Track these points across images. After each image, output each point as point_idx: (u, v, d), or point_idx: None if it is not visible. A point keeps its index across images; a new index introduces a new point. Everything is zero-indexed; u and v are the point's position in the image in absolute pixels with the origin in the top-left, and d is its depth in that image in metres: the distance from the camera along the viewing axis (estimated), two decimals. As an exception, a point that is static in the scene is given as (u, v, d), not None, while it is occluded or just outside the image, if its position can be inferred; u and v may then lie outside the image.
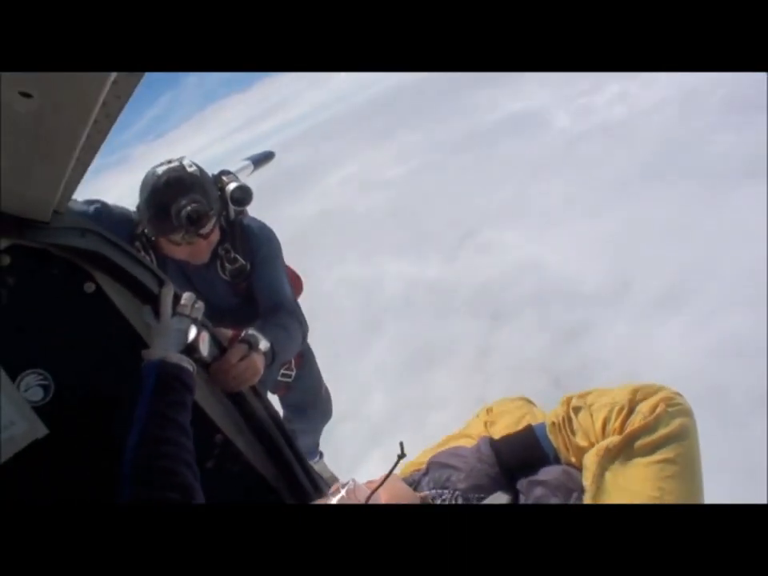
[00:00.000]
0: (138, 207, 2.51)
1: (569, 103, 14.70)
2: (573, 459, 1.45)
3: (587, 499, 1.31)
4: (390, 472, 1.35)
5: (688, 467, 1.28)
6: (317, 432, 3.97)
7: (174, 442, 1.49)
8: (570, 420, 1.45)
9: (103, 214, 2.56)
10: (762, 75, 10.84)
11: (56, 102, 0.84)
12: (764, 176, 7.29)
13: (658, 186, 8.46)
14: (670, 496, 1.23)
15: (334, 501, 1.32)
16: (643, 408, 1.32)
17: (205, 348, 1.79)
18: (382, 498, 1.35)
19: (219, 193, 2.65)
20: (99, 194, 2.71)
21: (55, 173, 1.22)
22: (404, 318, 7.88)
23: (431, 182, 12.62)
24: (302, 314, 2.91)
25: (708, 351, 5.27)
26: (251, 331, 2.14)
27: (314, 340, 3.61)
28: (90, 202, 2.56)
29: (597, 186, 9.31)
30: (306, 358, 3.59)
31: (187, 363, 1.67)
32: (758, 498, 3.56)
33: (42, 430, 1.61)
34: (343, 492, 1.32)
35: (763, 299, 5.48)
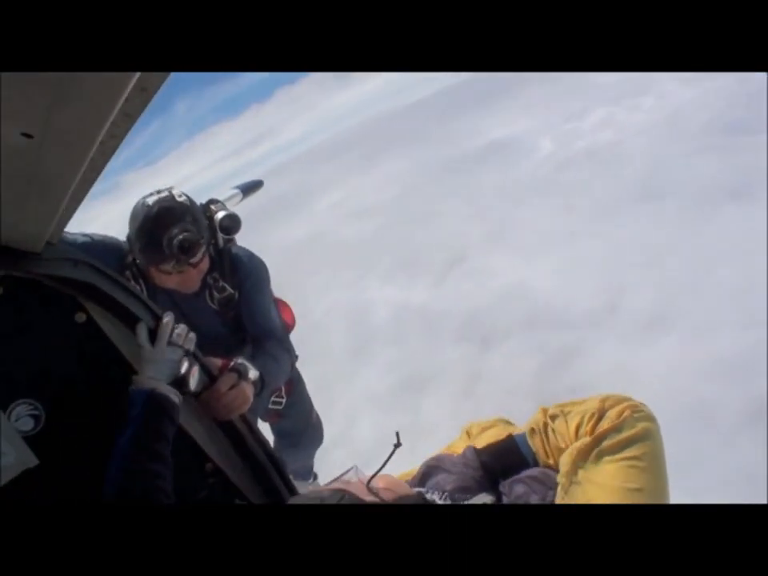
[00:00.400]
0: (129, 237, 2.53)
1: (554, 129, 14.86)
2: (550, 461, 1.57)
3: (560, 493, 1.43)
4: (390, 457, 1.46)
5: (652, 465, 1.40)
6: (310, 456, 3.97)
7: (155, 473, 1.54)
8: (546, 426, 1.58)
9: (93, 244, 2.57)
10: (744, 98, 11.06)
11: (55, 142, 0.86)
12: (748, 198, 7.41)
13: (643, 209, 8.57)
14: (638, 491, 1.35)
15: (337, 484, 1.37)
16: (611, 413, 1.45)
17: (194, 382, 1.82)
18: (380, 484, 1.41)
19: (208, 222, 2.67)
20: (89, 222, 2.73)
21: (49, 207, 1.23)
22: (393, 344, 7.87)
23: (418, 208, 12.68)
24: (290, 343, 2.97)
25: (696, 372, 5.31)
26: (240, 360, 2.15)
27: (304, 366, 3.62)
28: (80, 233, 2.57)
29: (583, 210, 9.39)
30: (296, 386, 3.59)
31: (175, 396, 1.71)
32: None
33: (32, 461, 1.61)
34: (348, 475, 1.40)
35: (749, 319, 5.55)
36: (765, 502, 4.01)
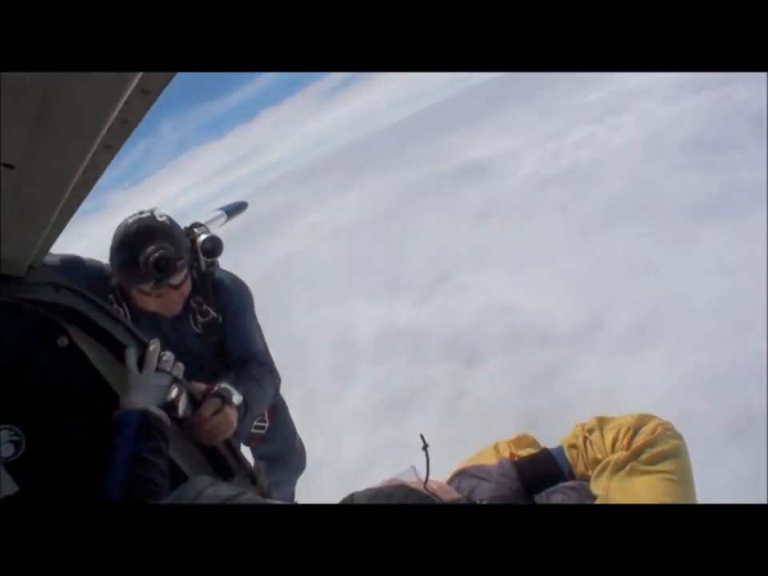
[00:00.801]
0: (110, 260, 2.51)
1: (536, 147, 15.01)
2: (587, 473, 1.64)
3: (604, 493, 1.50)
4: (428, 459, 1.53)
5: (684, 479, 1.49)
6: (292, 483, 3.92)
7: (157, 482, 1.56)
8: (585, 439, 1.65)
9: (77, 267, 2.55)
10: (723, 116, 11.24)
11: (36, 172, 0.85)
12: (727, 213, 7.50)
13: (625, 226, 8.65)
14: (669, 501, 1.41)
15: (404, 479, 1.42)
16: (646, 429, 1.55)
17: (182, 408, 1.82)
18: (434, 486, 1.46)
19: (190, 244, 2.66)
20: (75, 241, 2.71)
21: (32, 233, 1.23)
22: (378, 363, 7.86)
23: (399, 227, 12.74)
24: (275, 366, 2.92)
25: (679, 386, 5.35)
26: (224, 385, 2.14)
27: (288, 385, 3.60)
28: (64, 256, 2.54)
29: (566, 228, 9.47)
30: (279, 410, 3.55)
31: (166, 418, 1.72)
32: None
33: (11, 488, 1.59)
34: (407, 474, 1.44)
35: (730, 333, 5.61)
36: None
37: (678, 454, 1.52)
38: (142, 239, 2.33)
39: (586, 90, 19.09)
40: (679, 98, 14.36)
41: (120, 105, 0.81)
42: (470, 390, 6.57)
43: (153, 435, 1.64)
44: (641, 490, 1.46)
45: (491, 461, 1.89)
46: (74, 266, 2.55)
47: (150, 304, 2.54)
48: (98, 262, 2.68)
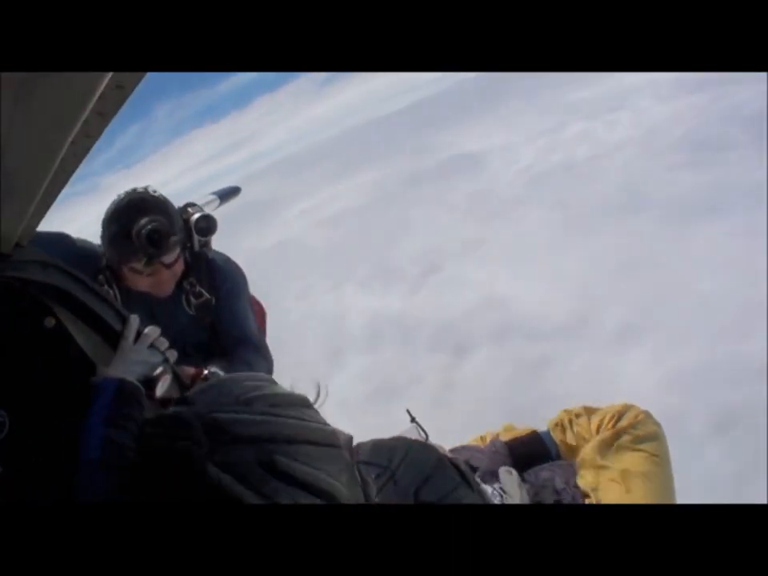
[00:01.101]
0: (101, 236, 2.46)
1: (533, 142, 15.02)
2: (573, 454, 1.76)
3: (587, 477, 1.63)
4: (421, 427, 1.78)
5: (665, 461, 1.65)
6: None
7: (131, 448, 1.51)
8: (571, 421, 1.80)
9: (66, 246, 2.50)
10: (719, 116, 11.28)
11: (21, 142, 0.84)
12: (721, 212, 7.54)
13: (618, 222, 8.69)
14: (654, 479, 1.58)
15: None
16: (629, 414, 1.72)
17: (161, 388, 1.78)
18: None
19: (184, 223, 2.61)
20: (66, 223, 2.67)
21: (19, 208, 1.20)
22: (367, 351, 7.88)
23: (393, 217, 12.74)
24: (268, 349, 2.87)
25: (664, 382, 5.41)
26: (213, 369, 2.11)
27: (278, 371, 3.59)
28: (53, 234, 2.48)
29: (559, 222, 9.50)
30: None
31: (142, 391, 1.67)
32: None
33: None
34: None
35: (718, 331, 5.65)
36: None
37: (658, 437, 1.68)
38: (135, 212, 2.28)
39: (581, 86, 19.10)
40: (675, 97, 14.41)
41: (95, 98, 0.81)
42: (459, 381, 6.61)
43: (129, 403, 1.60)
44: (626, 464, 1.58)
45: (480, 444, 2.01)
46: (63, 244, 2.50)
47: (142, 284, 2.48)
48: (88, 241, 2.62)
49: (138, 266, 2.36)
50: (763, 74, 12.03)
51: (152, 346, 1.78)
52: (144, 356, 1.75)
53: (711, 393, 5.10)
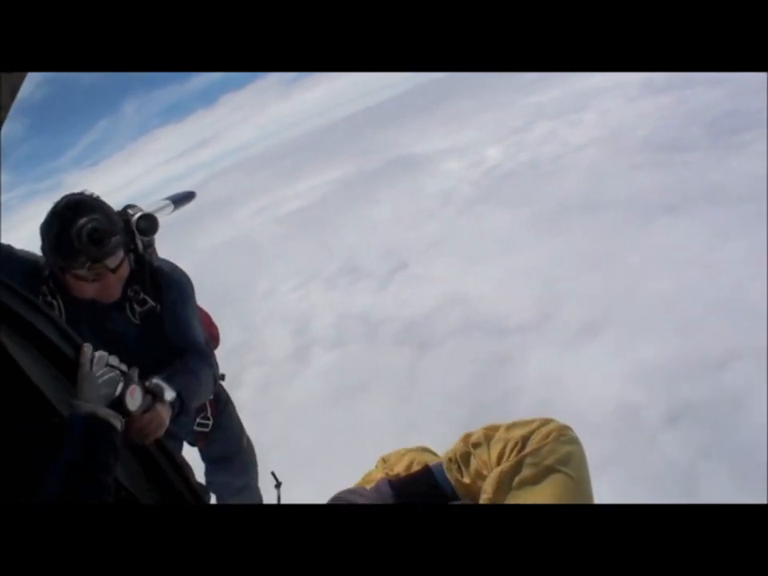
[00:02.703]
0: (42, 247, 2.35)
1: (499, 141, 15.14)
2: (470, 491, 1.56)
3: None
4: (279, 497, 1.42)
5: (577, 482, 1.43)
6: (252, 489, 3.68)
7: (92, 498, 1.43)
8: (467, 454, 1.58)
9: (9, 259, 2.42)
10: (680, 116, 11.50)
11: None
12: (681, 211, 7.71)
13: (580, 221, 8.83)
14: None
15: None
16: (536, 437, 1.48)
17: (133, 403, 1.74)
18: None
19: (125, 225, 2.52)
20: (28, 220, 2.60)
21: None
22: (333, 348, 7.91)
23: (359, 216, 12.75)
24: (214, 357, 2.81)
25: (622, 377, 5.52)
26: (155, 380, 2.04)
27: (243, 367, 3.60)
28: None
29: (522, 220, 9.61)
30: (223, 406, 3.39)
31: (116, 419, 1.62)
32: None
33: None
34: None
35: (674, 327, 5.79)
36: (693, 498, 4.23)
37: (568, 461, 1.45)
38: (73, 213, 2.22)
39: (548, 87, 19.29)
40: (641, 98, 14.64)
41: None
42: (423, 377, 6.66)
43: (97, 443, 1.53)
44: (532, 500, 1.39)
45: (377, 477, 1.83)
46: (5, 257, 2.41)
47: (87, 290, 2.39)
48: (32, 253, 2.52)
49: (82, 271, 2.29)
50: (722, 78, 12.33)
51: (107, 365, 1.73)
52: (105, 377, 1.69)
53: (669, 387, 5.23)
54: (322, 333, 8.36)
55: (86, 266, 2.25)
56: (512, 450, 1.48)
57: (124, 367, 1.78)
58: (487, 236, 9.40)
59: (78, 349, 1.70)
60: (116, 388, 1.68)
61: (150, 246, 2.72)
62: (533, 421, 1.55)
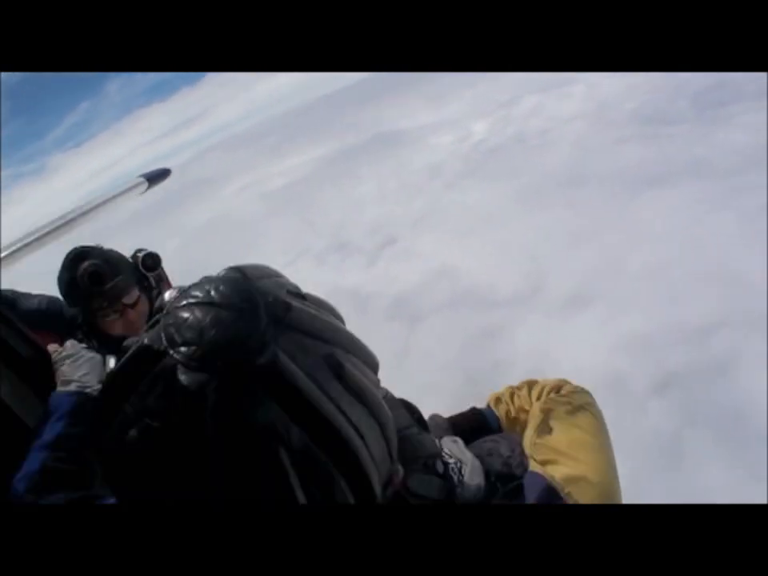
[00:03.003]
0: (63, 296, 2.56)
1: (486, 115, 15.09)
2: (513, 425, 1.74)
3: (533, 451, 1.53)
4: None
5: (601, 428, 1.56)
6: None
7: (74, 473, 1.41)
8: (512, 394, 1.73)
9: (43, 310, 2.61)
10: (667, 90, 11.50)
11: None
12: (666, 184, 7.76)
13: (567, 194, 8.84)
14: (596, 445, 1.49)
15: None
16: (568, 387, 1.63)
17: None
18: None
19: (135, 267, 2.72)
20: (15, 204, 2.63)
21: None
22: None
23: (346, 192, 12.71)
24: None
25: (610, 347, 5.59)
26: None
27: None
28: (28, 297, 2.60)
29: (510, 194, 9.62)
30: None
31: None
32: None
33: None
34: None
35: (660, 298, 5.87)
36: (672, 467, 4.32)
37: (593, 405, 1.64)
38: (75, 261, 2.43)
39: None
40: (629, 72, 14.59)
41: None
42: (413, 350, 6.72)
43: (82, 421, 1.49)
44: (570, 435, 1.51)
45: None
46: (39, 308, 2.64)
47: (115, 327, 2.56)
48: (60, 301, 2.67)
49: (107, 311, 2.49)
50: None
51: (83, 348, 1.73)
52: (84, 358, 1.67)
53: (656, 357, 5.32)
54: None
55: (104, 305, 2.44)
56: (548, 392, 1.58)
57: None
58: (475, 210, 9.40)
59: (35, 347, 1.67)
60: (102, 367, 1.67)
61: (161, 280, 2.89)
62: (559, 379, 1.74)
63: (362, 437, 0.80)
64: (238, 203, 15.01)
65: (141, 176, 3.79)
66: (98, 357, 1.74)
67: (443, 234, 8.96)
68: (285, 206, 13.21)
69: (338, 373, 0.76)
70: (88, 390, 1.56)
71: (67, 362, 1.65)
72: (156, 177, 3.92)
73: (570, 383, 1.69)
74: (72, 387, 1.55)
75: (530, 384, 1.73)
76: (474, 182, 10.67)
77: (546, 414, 1.59)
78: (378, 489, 0.92)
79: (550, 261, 7.35)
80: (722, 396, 4.85)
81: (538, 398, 1.61)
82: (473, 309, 6.90)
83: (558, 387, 1.59)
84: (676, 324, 5.59)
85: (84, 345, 1.80)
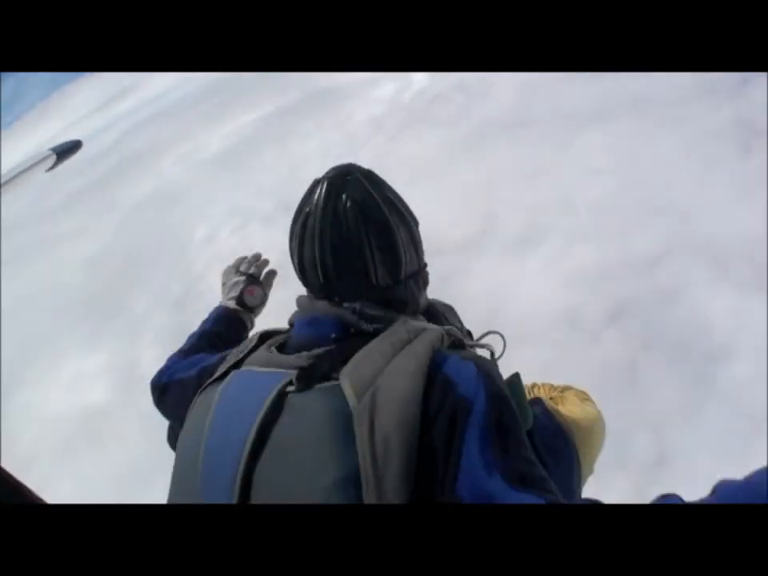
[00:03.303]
0: None
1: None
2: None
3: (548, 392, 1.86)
4: None
5: (603, 420, 1.79)
6: None
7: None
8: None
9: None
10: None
11: None
12: (609, 121, 7.85)
13: (511, 137, 8.88)
14: (599, 422, 1.75)
15: None
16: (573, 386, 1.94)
17: (252, 300, 2.03)
18: None
19: None
20: None
21: None
22: (282, 287, 7.85)
23: (292, 151, 12.52)
24: None
25: (563, 282, 5.73)
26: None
27: (196, 313, 3.54)
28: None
29: (454, 141, 9.62)
30: None
31: (243, 313, 1.97)
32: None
33: None
34: None
35: (608, 233, 5.99)
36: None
37: (592, 401, 1.86)
38: None
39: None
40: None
41: None
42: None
43: (227, 324, 1.90)
44: (585, 406, 1.74)
45: None
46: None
47: None
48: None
49: None
50: None
51: (237, 272, 2.06)
52: (233, 281, 2.02)
53: (608, 289, 5.47)
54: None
55: None
56: (557, 387, 1.90)
57: (253, 270, 2.11)
58: (420, 159, 9.37)
59: None
60: (240, 289, 1.99)
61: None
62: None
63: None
64: (179, 172, 14.63)
65: (50, 149, 3.59)
66: (240, 281, 2.06)
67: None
68: (227, 171, 12.95)
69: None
70: (229, 305, 2.01)
71: (223, 289, 2.09)
72: (66, 150, 3.70)
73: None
74: (221, 304, 2.04)
75: (542, 384, 1.97)
76: (418, 131, 10.61)
77: (563, 391, 1.85)
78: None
79: (498, 203, 7.41)
80: (672, 322, 5.03)
81: (551, 392, 1.89)
82: (426, 256, 6.90)
83: (565, 386, 1.89)
84: (625, 256, 5.73)
85: None
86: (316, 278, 1.36)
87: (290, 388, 1.10)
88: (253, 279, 2.07)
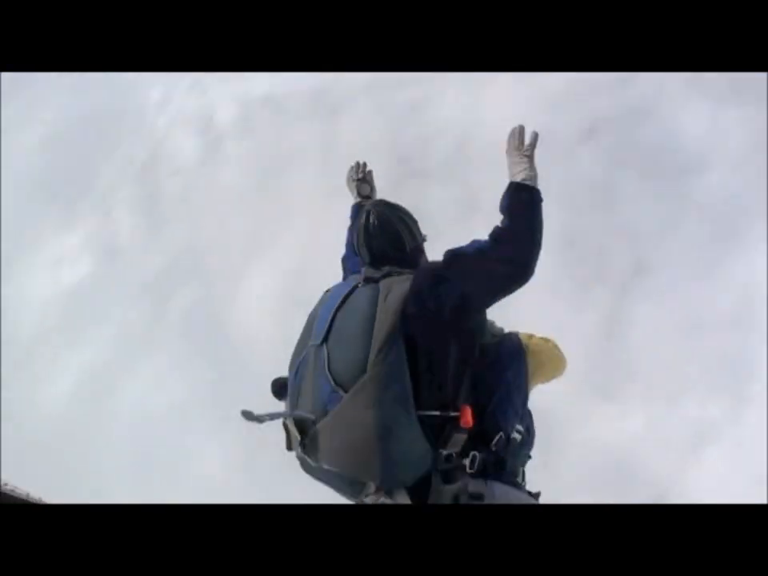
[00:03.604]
0: None
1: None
2: None
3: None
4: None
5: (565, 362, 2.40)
6: None
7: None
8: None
9: None
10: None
11: None
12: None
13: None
14: (563, 361, 2.34)
15: None
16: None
17: (356, 190, 2.89)
18: None
19: None
20: None
21: None
22: (243, 137, 7.67)
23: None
24: None
25: (531, 105, 5.68)
26: None
27: (162, 173, 3.43)
28: None
29: None
30: None
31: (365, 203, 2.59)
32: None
33: None
34: None
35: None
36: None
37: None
38: None
39: None
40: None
41: None
42: (339, 139, 6.64)
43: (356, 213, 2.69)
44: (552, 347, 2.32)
45: None
46: None
47: None
48: None
49: None
50: None
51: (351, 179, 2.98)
52: (350, 187, 2.97)
53: (580, 106, 5.39)
54: (229, 124, 8.01)
55: None
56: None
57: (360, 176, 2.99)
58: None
59: None
60: (355, 188, 2.93)
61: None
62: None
63: None
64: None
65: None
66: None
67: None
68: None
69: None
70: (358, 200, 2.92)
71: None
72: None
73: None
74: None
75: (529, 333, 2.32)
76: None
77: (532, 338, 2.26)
78: None
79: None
80: (644, 136, 5.06)
81: (531, 338, 2.27)
82: (390, 89, 6.70)
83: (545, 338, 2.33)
84: (595, 74, 5.60)
85: None
86: (369, 256, 2.21)
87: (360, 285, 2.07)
88: (362, 179, 2.91)
